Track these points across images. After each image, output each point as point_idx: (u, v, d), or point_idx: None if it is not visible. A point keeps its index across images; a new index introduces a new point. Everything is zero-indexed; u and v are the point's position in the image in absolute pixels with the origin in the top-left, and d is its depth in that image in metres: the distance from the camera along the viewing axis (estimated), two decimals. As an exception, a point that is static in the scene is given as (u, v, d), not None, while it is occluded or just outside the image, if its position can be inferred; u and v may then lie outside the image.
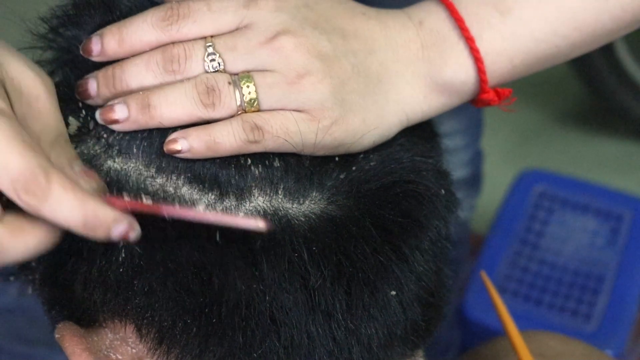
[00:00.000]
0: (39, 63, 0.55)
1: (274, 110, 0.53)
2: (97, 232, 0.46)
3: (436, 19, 0.58)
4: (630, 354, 1.55)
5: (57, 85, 0.53)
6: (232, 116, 0.53)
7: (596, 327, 1.44)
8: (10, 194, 0.44)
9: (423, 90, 0.58)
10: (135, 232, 0.47)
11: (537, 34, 0.59)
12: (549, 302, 1.49)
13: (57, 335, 0.55)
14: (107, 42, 0.53)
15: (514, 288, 1.50)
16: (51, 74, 0.55)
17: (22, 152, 0.44)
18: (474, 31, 0.58)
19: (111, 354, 0.55)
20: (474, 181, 1.43)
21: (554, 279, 1.52)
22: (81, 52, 0.54)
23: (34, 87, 0.50)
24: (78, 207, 0.45)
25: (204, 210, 0.52)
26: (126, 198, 0.51)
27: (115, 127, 0.52)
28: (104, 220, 0.45)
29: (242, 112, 0.53)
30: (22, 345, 1.45)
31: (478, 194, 1.47)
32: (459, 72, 0.58)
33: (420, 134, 0.59)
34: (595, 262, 1.54)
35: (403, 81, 0.57)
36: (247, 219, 0.50)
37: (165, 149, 0.52)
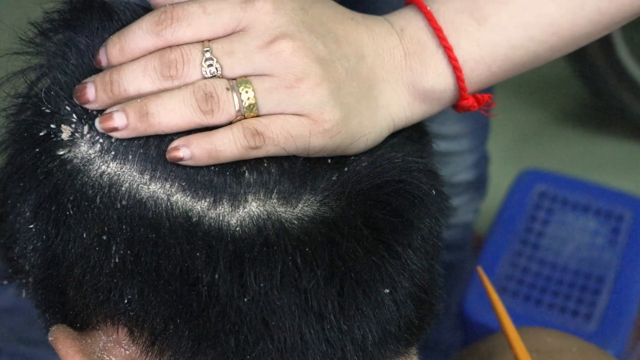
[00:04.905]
0: (28, 69, 0.56)
1: (273, 114, 0.53)
2: None
3: (416, 27, 0.59)
4: (630, 354, 1.55)
5: (47, 91, 0.54)
6: (231, 122, 0.53)
7: (596, 327, 1.44)
8: None
9: (407, 98, 0.58)
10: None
11: (514, 40, 0.59)
12: (549, 302, 1.49)
13: (50, 338, 0.56)
14: (110, 52, 0.54)
15: (514, 288, 1.50)
16: (39, 78, 0.55)
17: None
18: (451, 39, 0.58)
19: (105, 356, 0.55)
20: (480, 184, 1.43)
21: (554, 279, 1.52)
22: (95, 65, 0.54)
23: None
24: None
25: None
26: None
27: (114, 134, 0.53)
28: None
29: (241, 118, 0.53)
30: (22, 346, 1.45)
31: (483, 197, 1.46)
32: (439, 81, 0.59)
33: (411, 135, 0.60)
34: (595, 262, 1.54)
35: (389, 88, 0.58)
36: None
37: (167, 156, 0.52)
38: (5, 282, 0.65)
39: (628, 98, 1.97)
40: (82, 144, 0.53)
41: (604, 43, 1.90)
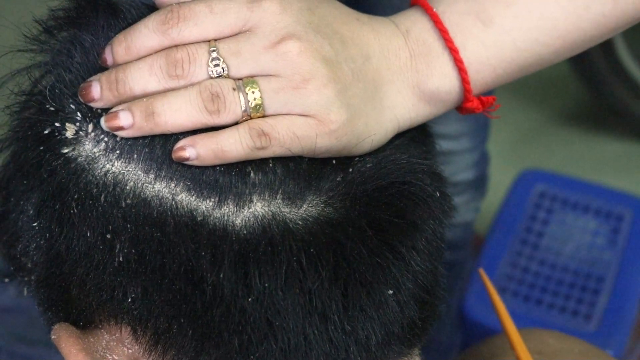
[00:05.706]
0: (32, 67, 0.55)
1: (279, 115, 0.53)
2: None
3: (421, 29, 0.59)
4: (630, 354, 1.55)
5: (52, 88, 0.54)
6: (237, 122, 0.53)
7: (596, 327, 1.44)
8: None
9: (412, 99, 0.58)
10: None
11: (519, 43, 0.59)
12: (549, 302, 1.49)
13: (53, 337, 0.56)
14: (116, 51, 0.54)
15: (514, 288, 1.50)
16: (43, 76, 0.55)
17: None
18: (457, 41, 0.58)
19: (107, 355, 0.55)
20: (480, 183, 1.43)
21: (554, 279, 1.52)
22: (100, 64, 0.54)
23: None
24: None
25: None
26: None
27: (119, 133, 0.52)
28: None
29: (247, 118, 0.53)
30: (22, 345, 1.45)
31: (483, 196, 1.47)
32: (444, 83, 0.59)
33: (415, 136, 0.60)
34: (595, 262, 1.53)
35: (394, 89, 0.58)
36: None
37: (173, 156, 0.52)
38: (6, 280, 0.65)
39: (628, 98, 1.98)
40: (87, 143, 0.53)
41: (604, 43, 1.90)
